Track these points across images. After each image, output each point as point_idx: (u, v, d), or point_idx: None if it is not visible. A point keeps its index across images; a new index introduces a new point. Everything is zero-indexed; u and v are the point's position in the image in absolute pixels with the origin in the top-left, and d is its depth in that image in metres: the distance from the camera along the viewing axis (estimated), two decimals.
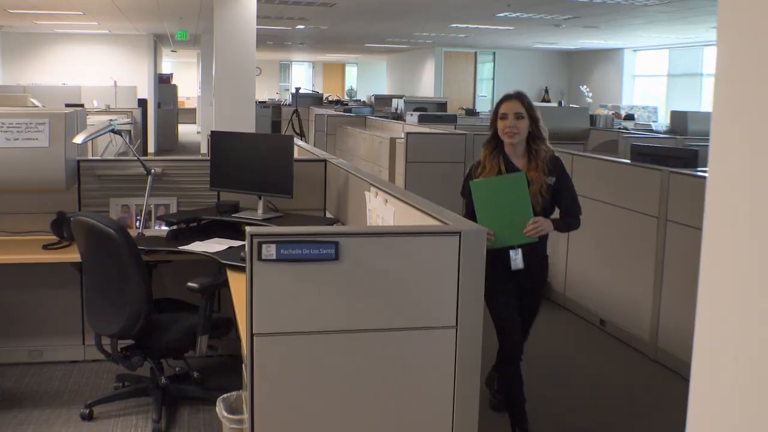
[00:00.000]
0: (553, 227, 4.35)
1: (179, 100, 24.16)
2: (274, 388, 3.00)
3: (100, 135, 5.68)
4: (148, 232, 5.10)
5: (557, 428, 4.79)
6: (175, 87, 23.62)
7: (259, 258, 2.87)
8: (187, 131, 24.06)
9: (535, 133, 4.41)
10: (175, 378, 5.01)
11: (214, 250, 4.62)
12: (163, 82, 23.16)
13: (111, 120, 6.28)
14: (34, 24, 18.94)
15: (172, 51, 27.80)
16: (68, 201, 5.32)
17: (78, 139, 5.19)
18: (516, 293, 4.46)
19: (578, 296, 6.92)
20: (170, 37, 21.72)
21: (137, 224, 5.18)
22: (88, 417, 4.71)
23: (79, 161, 5.41)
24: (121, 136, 6.40)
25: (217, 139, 5.50)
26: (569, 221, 4.57)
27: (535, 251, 4.44)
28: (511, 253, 4.29)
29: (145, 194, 5.24)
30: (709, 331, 1.08)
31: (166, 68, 27.53)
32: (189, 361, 5.14)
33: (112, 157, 6.65)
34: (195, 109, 26.35)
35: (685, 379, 5.37)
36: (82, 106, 10.26)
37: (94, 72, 19.77)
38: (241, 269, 4.09)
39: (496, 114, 4.43)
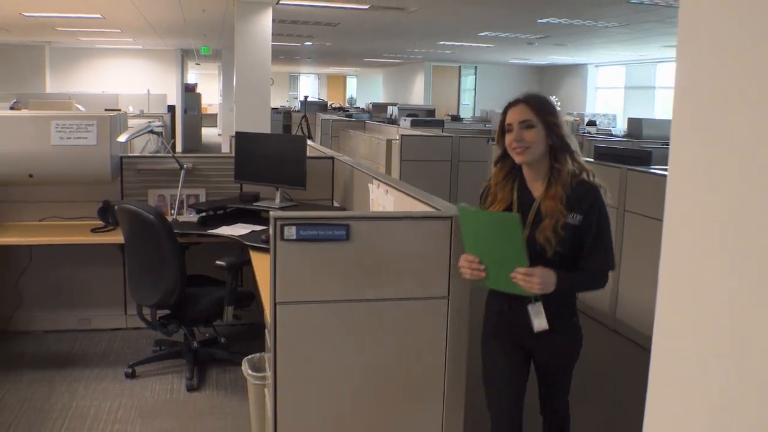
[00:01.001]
0: (554, 284, 2.66)
1: (202, 106, 24.13)
2: (294, 349, 3.04)
3: (141, 135, 5.74)
4: (181, 218, 5.13)
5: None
6: (199, 95, 23.59)
7: (282, 238, 2.91)
8: (209, 133, 24.03)
9: (556, 146, 2.83)
10: (205, 342, 5.05)
11: (238, 234, 4.65)
12: (189, 90, 23.13)
13: (150, 122, 6.29)
14: (78, 40, 18.89)
15: (197, 64, 27.71)
16: (112, 191, 5.35)
17: (122, 138, 5.23)
18: (521, 359, 3.07)
19: None
20: (195, 52, 21.66)
21: (172, 211, 5.21)
22: (131, 375, 4.75)
23: (122, 157, 5.43)
24: (158, 136, 6.45)
25: (241, 138, 5.53)
26: (586, 277, 2.88)
27: (549, 308, 2.81)
28: (529, 308, 2.84)
29: (178, 186, 5.28)
30: (669, 301, 1.11)
31: (191, 79, 27.45)
32: (217, 329, 5.18)
33: (150, 154, 6.67)
34: (216, 115, 26.30)
35: (637, 345, 5.49)
36: (119, 111, 10.29)
37: (130, 82, 19.73)
38: (262, 250, 4.16)
39: (501, 127, 2.91)
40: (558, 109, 2.98)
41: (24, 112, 5.92)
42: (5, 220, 5.31)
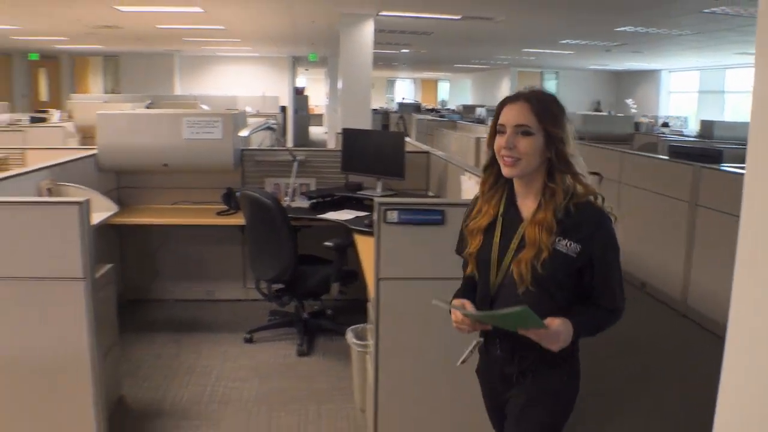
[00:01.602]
0: (570, 337, 1.98)
1: (310, 107, 24.43)
2: (394, 320, 3.11)
3: (259, 131, 5.88)
4: (294, 204, 5.22)
5: (598, 371, 4.75)
6: (307, 97, 23.89)
7: (385, 221, 2.98)
8: (315, 131, 24.32)
9: (555, 163, 2.04)
10: (314, 314, 5.14)
11: (344, 218, 4.71)
12: (298, 93, 23.45)
13: (267, 120, 6.45)
14: (202, 48, 19.36)
15: (306, 69, 28.08)
16: (234, 179, 5.49)
17: (243, 133, 5.38)
18: (503, 405, 2.22)
19: (624, 263, 6.82)
20: (304, 59, 21.99)
21: (286, 198, 5.31)
22: (250, 340, 4.89)
23: (242, 150, 5.57)
24: (274, 132, 6.60)
25: (347, 134, 5.60)
26: (592, 317, 2.08)
27: (529, 349, 2.03)
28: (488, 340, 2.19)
29: (291, 175, 5.40)
30: (744, 291, 1.10)
31: (300, 83, 27.82)
32: (324, 302, 5.27)
33: (267, 148, 6.82)
34: (321, 115, 26.61)
35: (708, 331, 5.33)
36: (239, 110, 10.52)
37: (247, 85, 20.11)
38: (364, 233, 4.21)
39: (494, 126, 2.12)
40: (566, 118, 2.08)
41: (160, 111, 6.15)
42: (144, 203, 5.53)
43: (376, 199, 3.03)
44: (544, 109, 2.04)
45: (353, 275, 4.64)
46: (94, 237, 3.17)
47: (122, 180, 5.56)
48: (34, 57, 20.11)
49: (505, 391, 2.19)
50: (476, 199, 2.24)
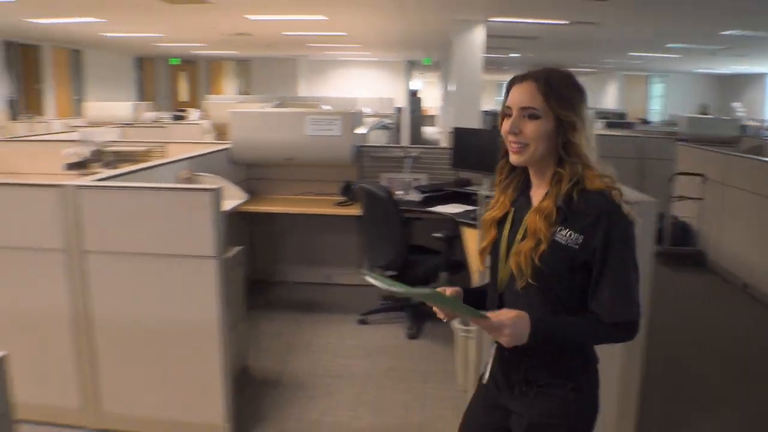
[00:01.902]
0: (527, 336, 1.64)
1: (423, 108, 24.46)
2: None
3: (375, 129, 5.98)
4: (407, 197, 5.27)
5: (698, 371, 4.59)
6: (420, 99, 23.92)
7: None
8: (428, 131, 24.31)
9: (565, 152, 1.71)
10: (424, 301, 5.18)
11: (453, 212, 4.71)
12: (413, 95, 23.50)
13: (382, 119, 6.54)
14: (324, 53, 19.69)
15: (420, 73, 28.14)
16: (352, 174, 5.59)
17: (360, 131, 5.49)
18: (496, 421, 1.90)
19: (727, 264, 6.56)
20: (419, 63, 22.09)
21: (399, 191, 5.37)
22: (363, 322, 5.00)
23: (360, 146, 5.66)
24: (389, 130, 6.69)
25: (458, 133, 5.59)
26: (583, 326, 1.71)
27: (536, 356, 1.76)
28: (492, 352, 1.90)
29: (404, 171, 5.46)
30: None
31: (415, 86, 27.89)
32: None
33: (382, 145, 6.92)
34: (434, 116, 26.61)
35: None
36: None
37: (365, 87, 20.37)
38: (471, 226, 4.21)
39: (502, 106, 1.80)
40: (582, 101, 1.74)
41: (286, 109, 6.35)
42: (271, 194, 5.73)
43: (481, 193, 3.05)
44: (554, 89, 1.71)
45: (460, 265, 4.65)
46: (225, 221, 3.31)
47: (252, 172, 5.78)
48: (176, 62, 21.05)
49: (508, 399, 1.86)
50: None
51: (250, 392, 3.92)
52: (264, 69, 21.37)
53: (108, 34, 13.52)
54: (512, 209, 1.85)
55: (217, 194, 3.19)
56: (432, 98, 27.26)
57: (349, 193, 5.34)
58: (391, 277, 4.66)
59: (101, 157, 4.96)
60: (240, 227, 5.58)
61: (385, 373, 4.20)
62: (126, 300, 3.35)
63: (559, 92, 1.71)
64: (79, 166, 4.80)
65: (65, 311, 3.36)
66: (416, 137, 20.68)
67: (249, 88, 21.80)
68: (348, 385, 4.04)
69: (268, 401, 3.83)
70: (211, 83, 22.14)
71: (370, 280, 1.72)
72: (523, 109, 1.72)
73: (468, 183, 5.37)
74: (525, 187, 1.86)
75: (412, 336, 4.77)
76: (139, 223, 3.27)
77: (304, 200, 5.57)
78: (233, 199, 4.62)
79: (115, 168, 4.50)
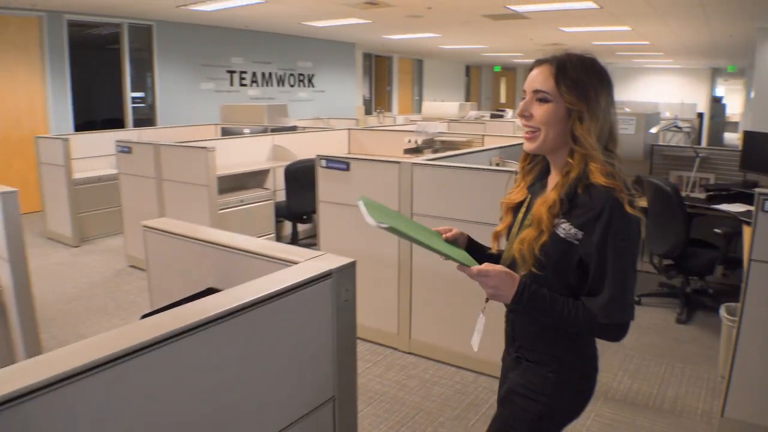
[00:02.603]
0: (511, 295, 1.47)
1: (727, 115, 22.30)
2: (761, 301, 2.95)
3: (667, 129, 5.77)
4: (692, 194, 5.07)
5: None
6: (724, 105, 21.86)
7: (762, 210, 2.84)
8: (729, 137, 22.12)
9: (577, 137, 1.47)
10: (697, 291, 4.94)
11: (736, 210, 4.45)
12: (715, 102, 21.59)
13: (675, 119, 6.25)
14: (631, 61, 18.91)
15: (724, 80, 25.63)
16: (643, 169, 5.48)
17: (653, 130, 5.36)
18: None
19: None
20: (723, 70, 20.17)
21: (686, 189, 5.18)
22: (638, 302, 4.88)
23: (653, 145, 5.52)
24: (681, 132, 6.37)
25: (749, 136, 5.12)
26: (572, 309, 1.47)
27: (526, 334, 1.67)
28: (478, 319, 1.73)
29: (693, 169, 5.22)
30: None
31: (719, 92, 25.48)
32: (708, 282, 5.03)
33: (674, 145, 6.61)
34: (737, 123, 24.10)
35: None
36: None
37: (667, 93, 19.18)
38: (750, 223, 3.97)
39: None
40: (600, 90, 1.49)
41: None
42: None
43: (756, 190, 2.90)
44: (566, 74, 1.48)
45: (737, 262, 4.37)
46: None
47: None
48: (497, 69, 21.65)
49: (510, 370, 1.75)
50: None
51: None
52: None
53: (444, 46, 14.41)
54: (529, 195, 1.66)
55: (513, 177, 3.41)
56: (736, 105, 24.70)
57: (637, 186, 5.24)
58: (669, 265, 4.58)
59: (431, 144, 5.50)
60: None
61: (648, 348, 4.14)
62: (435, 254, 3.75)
63: (571, 77, 1.49)
64: (415, 150, 5.39)
65: (394, 259, 3.88)
66: (716, 142, 18.98)
67: None
68: (614, 353, 4.06)
69: None
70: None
71: (361, 207, 1.49)
72: (535, 92, 1.52)
73: (755, 185, 4.97)
74: (544, 174, 1.66)
75: (681, 321, 4.58)
76: (457, 195, 3.64)
77: None
78: None
79: (441, 153, 4.98)
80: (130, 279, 5.56)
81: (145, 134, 8.06)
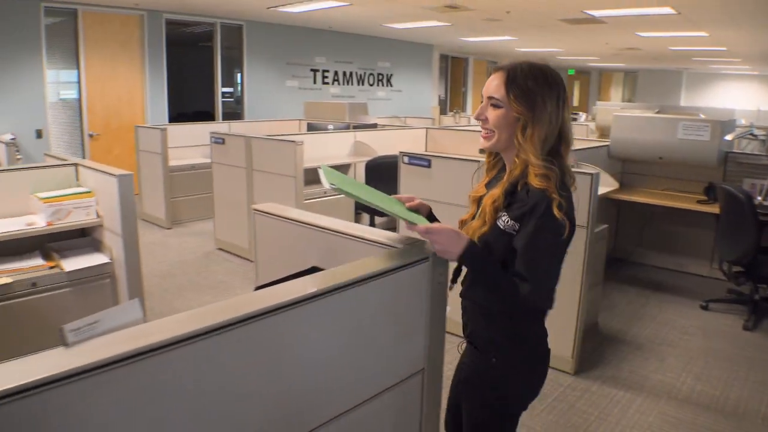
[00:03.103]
0: (459, 252, 1.53)
1: None
2: None
3: (742, 136, 5.64)
4: (766, 202, 4.96)
5: None
6: None
7: None
8: None
9: (520, 142, 1.58)
10: (765, 298, 4.80)
11: None
12: None
13: (751, 125, 6.08)
14: (707, 67, 18.28)
15: None
16: (716, 176, 5.38)
17: (728, 137, 5.26)
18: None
19: None
20: None
21: (759, 197, 5.06)
22: (705, 308, 4.83)
23: (727, 152, 5.41)
24: (756, 139, 6.20)
25: None
26: (502, 276, 1.55)
27: (472, 313, 1.79)
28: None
29: (767, 178, 5.12)
30: None
31: None
32: None
33: (749, 152, 6.44)
34: None
35: None
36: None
37: (745, 99, 18.43)
38: None
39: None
40: (546, 97, 1.56)
41: (661, 115, 6.28)
42: (639, 186, 5.80)
43: None
44: (515, 82, 1.57)
45: None
46: (597, 201, 3.58)
47: (626, 166, 5.89)
48: (572, 72, 21.30)
49: (462, 358, 1.87)
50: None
51: (596, 342, 4.17)
52: (649, 80, 20.52)
53: (519, 49, 14.32)
54: (486, 191, 1.73)
55: (595, 178, 3.48)
56: None
57: (710, 192, 5.17)
58: (738, 272, 4.51)
59: None
60: (609, 210, 5.75)
61: (713, 353, 4.10)
62: None
63: (519, 86, 1.57)
64: None
65: None
66: None
67: (633, 96, 21.15)
68: (679, 354, 4.05)
69: (609, 352, 4.06)
70: (600, 91, 21.98)
71: (320, 173, 1.58)
72: (490, 98, 1.63)
73: None
74: (502, 171, 1.74)
75: (747, 328, 4.49)
76: None
77: (668, 195, 5.49)
78: (607, 186, 4.87)
79: None
80: (218, 260, 5.85)
81: (234, 127, 8.40)
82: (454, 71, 16.38)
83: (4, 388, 0.89)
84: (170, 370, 1.08)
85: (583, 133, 8.44)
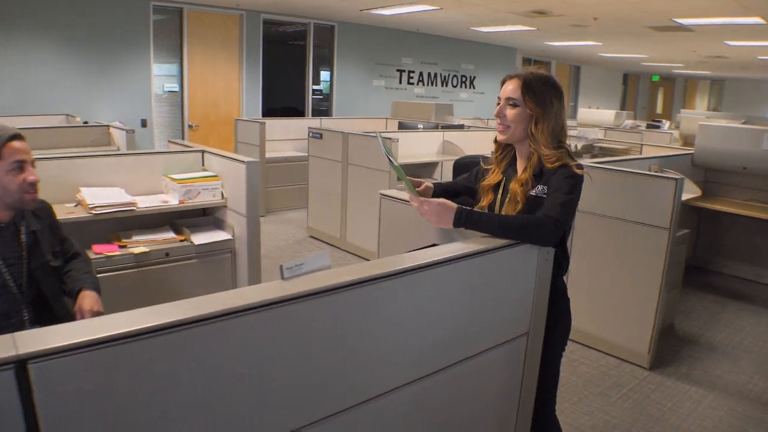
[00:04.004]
0: (451, 220, 1.90)
1: None
2: None
3: None
4: None
5: None
6: None
7: None
8: None
9: (533, 134, 2.00)
10: None
11: None
12: None
13: None
14: None
15: None
16: None
17: None
18: None
19: None
20: None
21: None
22: None
23: None
24: None
25: None
26: (510, 219, 1.88)
27: None
28: None
29: None
30: None
31: None
32: None
33: None
34: None
35: None
36: None
37: None
38: None
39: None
40: (554, 100, 2.02)
41: (747, 126, 6.30)
42: (722, 195, 5.84)
43: None
44: (530, 86, 2.01)
45: None
46: (680, 208, 3.74)
47: (709, 175, 5.94)
48: (656, 79, 20.96)
49: None
50: (487, 162, 2.25)
51: (671, 341, 4.36)
52: (736, 88, 20.00)
53: (603, 54, 14.29)
54: (503, 178, 2.15)
55: (679, 183, 3.66)
56: None
57: None
58: None
59: (590, 150, 5.77)
60: (690, 217, 5.84)
61: None
62: (596, 245, 4.10)
63: (533, 89, 2.01)
64: (574, 154, 5.68)
65: None
66: None
67: (719, 105, 20.64)
68: (753, 358, 4.17)
69: (684, 351, 4.24)
70: (685, 99, 21.52)
71: (380, 140, 2.07)
72: (508, 99, 2.04)
73: None
74: (512, 161, 2.16)
75: None
76: (616, 196, 3.95)
77: (750, 205, 5.53)
78: (689, 192, 5.01)
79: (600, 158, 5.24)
80: (310, 247, 6.30)
81: (325, 123, 8.87)
82: None
83: (264, 299, 1.27)
84: (358, 300, 1.46)
85: (665, 142, 8.47)
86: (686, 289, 5.19)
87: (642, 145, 5.85)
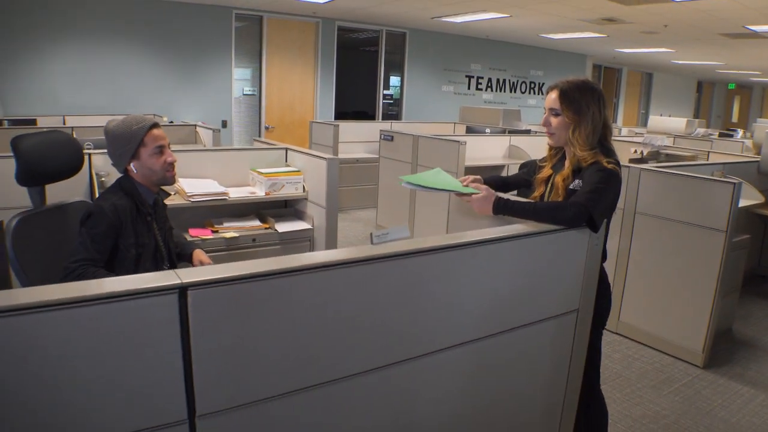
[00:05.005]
0: (491, 208, 2.19)
1: None
2: None
3: None
4: None
5: None
6: None
7: None
8: None
9: (571, 139, 2.27)
10: None
11: None
12: None
13: None
14: None
15: None
16: None
17: None
18: None
19: None
20: None
21: None
22: None
23: None
24: None
25: None
26: (541, 206, 2.14)
27: None
28: None
29: None
30: None
31: None
32: None
33: None
34: None
35: None
36: None
37: None
38: None
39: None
40: (589, 104, 2.24)
41: None
42: None
43: None
44: (567, 96, 2.25)
45: None
46: (737, 212, 3.86)
47: None
48: (732, 86, 20.45)
49: None
50: (543, 158, 2.52)
51: (728, 344, 4.48)
52: None
53: (676, 61, 14.15)
54: (553, 172, 2.42)
55: (737, 187, 3.79)
56: None
57: None
58: None
59: (656, 156, 5.92)
60: (756, 225, 5.85)
61: None
62: (654, 245, 4.28)
63: (568, 97, 2.26)
64: (640, 160, 5.85)
65: (613, 249, 4.43)
66: None
67: None
68: None
69: (739, 354, 4.36)
70: (764, 107, 20.89)
71: (403, 183, 2.23)
72: (551, 109, 2.31)
73: None
74: (563, 158, 2.41)
75: None
76: (676, 198, 4.13)
77: None
78: (752, 199, 5.08)
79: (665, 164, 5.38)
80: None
81: (395, 126, 9.23)
82: (607, 81, 16.38)
83: (357, 256, 1.61)
84: (431, 264, 1.77)
85: (736, 150, 8.42)
86: (748, 297, 5.26)
87: (709, 152, 5.93)
